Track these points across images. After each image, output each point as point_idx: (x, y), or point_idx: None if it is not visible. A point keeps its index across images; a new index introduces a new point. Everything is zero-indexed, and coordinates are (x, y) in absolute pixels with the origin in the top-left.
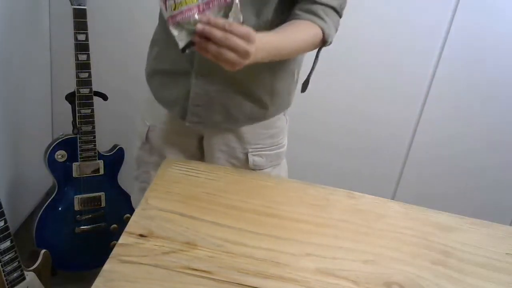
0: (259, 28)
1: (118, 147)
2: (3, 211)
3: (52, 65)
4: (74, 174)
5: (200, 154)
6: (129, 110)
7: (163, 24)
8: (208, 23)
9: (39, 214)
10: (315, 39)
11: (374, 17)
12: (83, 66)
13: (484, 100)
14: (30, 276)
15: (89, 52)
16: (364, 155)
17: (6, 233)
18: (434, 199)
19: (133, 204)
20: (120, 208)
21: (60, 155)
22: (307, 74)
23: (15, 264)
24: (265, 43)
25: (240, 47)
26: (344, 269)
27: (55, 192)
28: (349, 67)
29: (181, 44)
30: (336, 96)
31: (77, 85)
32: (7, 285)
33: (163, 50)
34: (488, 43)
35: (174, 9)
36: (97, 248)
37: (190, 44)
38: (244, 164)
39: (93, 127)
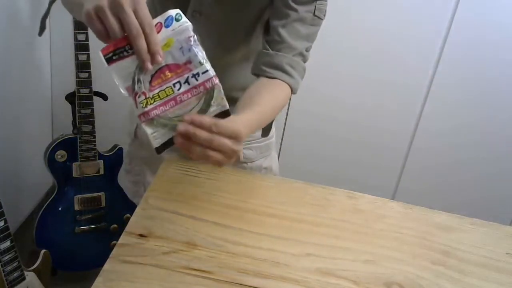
0: (248, 55)
1: (118, 147)
2: (3, 211)
3: (52, 65)
4: (74, 174)
5: None
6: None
7: None
8: (192, 122)
9: (39, 214)
10: (286, 99)
11: (375, 16)
12: (83, 66)
13: (485, 98)
14: (30, 276)
15: (89, 52)
16: (364, 155)
17: (6, 233)
18: (434, 199)
19: (129, 195)
20: (120, 208)
21: (60, 155)
22: None
23: (15, 264)
24: (248, 125)
25: (228, 148)
26: (344, 269)
27: (55, 192)
28: (350, 65)
29: (156, 144)
30: (337, 95)
31: (77, 85)
32: (7, 285)
33: None
34: (489, 42)
35: (146, 105)
36: (97, 248)
37: (168, 144)
38: None
39: (93, 127)
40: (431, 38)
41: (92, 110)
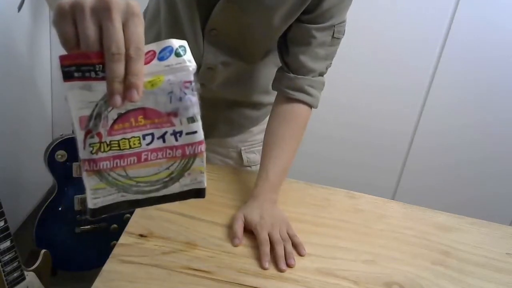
0: (267, 59)
1: None
2: (3, 211)
3: (52, 65)
4: (74, 174)
5: None
6: None
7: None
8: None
9: (39, 214)
10: (306, 120)
11: (375, 15)
12: None
13: (485, 98)
14: (30, 276)
15: None
16: (364, 155)
17: (6, 233)
18: (434, 199)
19: None
20: None
21: (60, 155)
22: None
23: (15, 264)
24: (274, 194)
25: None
26: (344, 269)
27: (55, 192)
28: (350, 65)
29: (93, 204)
30: (338, 95)
31: None
32: (7, 285)
33: None
34: (489, 42)
35: (98, 150)
36: (97, 248)
37: (109, 209)
38: (239, 162)
39: None
40: (431, 38)
41: None
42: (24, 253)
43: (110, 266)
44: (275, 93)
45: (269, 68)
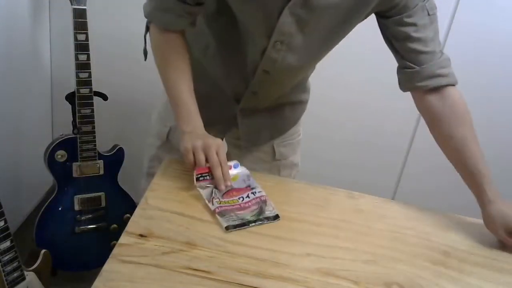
0: (306, 76)
1: (118, 147)
2: (3, 211)
3: (52, 65)
4: (74, 174)
5: None
6: (129, 110)
7: (204, 75)
8: None
9: (39, 214)
10: (460, 102)
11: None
12: (83, 66)
13: (485, 99)
14: (30, 276)
15: (89, 52)
16: (364, 155)
17: (6, 233)
18: (434, 200)
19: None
20: (120, 208)
21: (60, 155)
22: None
23: (15, 264)
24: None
25: None
26: (344, 269)
27: (55, 192)
28: (349, 66)
29: (225, 225)
30: (337, 95)
31: (77, 85)
32: (7, 285)
33: (204, 74)
34: (489, 40)
35: (219, 203)
36: (97, 248)
37: (232, 227)
38: (271, 156)
39: (93, 127)
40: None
41: (92, 110)
42: (24, 253)
43: (110, 266)
44: (309, 88)
45: (309, 73)
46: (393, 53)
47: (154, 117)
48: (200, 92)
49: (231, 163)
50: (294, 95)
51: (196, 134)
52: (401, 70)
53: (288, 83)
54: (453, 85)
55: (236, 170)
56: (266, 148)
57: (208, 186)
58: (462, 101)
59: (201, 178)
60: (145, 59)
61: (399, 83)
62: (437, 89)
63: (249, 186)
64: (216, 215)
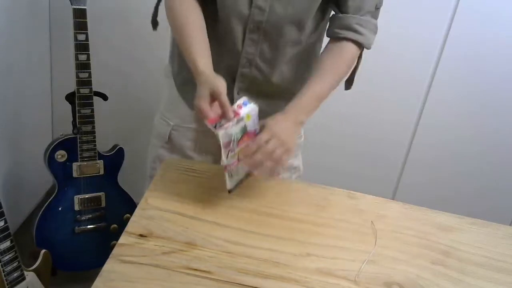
0: (300, 42)
1: (118, 147)
2: (3, 211)
3: (52, 65)
4: (74, 174)
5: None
6: (129, 110)
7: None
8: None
9: (39, 214)
10: (352, 59)
11: None
12: (83, 66)
13: (482, 102)
14: (30, 276)
15: (89, 52)
16: (364, 156)
17: (6, 233)
18: (433, 200)
19: None
20: (120, 208)
21: (60, 155)
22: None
23: (15, 264)
24: (303, 116)
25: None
26: (344, 269)
27: (55, 192)
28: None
29: (229, 187)
30: (336, 98)
31: (77, 85)
32: (7, 285)
33: None
34: (487, 46)
35: (233, 157)
36: (97, 248)
37: (235, 188)
38: None
39: (93, 127)
40: (432, 33)
41: (92, 110)
42: (24, 253)
43: (110, 266)
44: None
45: (303, 63)
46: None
47: (157, 118)
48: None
49: (240, 101)
50: (295, 85)
51: (200, 85)
52: (331, 17)
53: (283, 49)
54: (361, 46)
55: (246, 109)
56: None
57: (228, 133)
58: (350, 57)
59: (217, 126)
60: (154, 29)
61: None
62: (344, 39)
63: (255, 130)
64: (225, 172)
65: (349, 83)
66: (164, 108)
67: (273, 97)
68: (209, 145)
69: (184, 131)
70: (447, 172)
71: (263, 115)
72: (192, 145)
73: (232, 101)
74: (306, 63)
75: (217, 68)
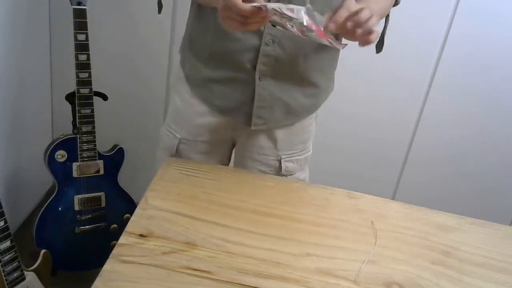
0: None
1: (118, 147)
2: (3, 211)
3: (52, 65)
4: (74, 174)
5: (228, 163)
6: (129, 110)
7: (218, 33)
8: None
9: (39, 214)
10: (390, 5)
11: None
12: (83, 66)
13: (482, 102)
14: (30, 276)
15: (89, 52)
16: (364, 156)
17: (6, 233)
18: (433, 200)
19: None
20: (120, 208)
21: (60, 155)
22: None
23: (15, 264)
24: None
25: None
26: (344, 269)
27: (55, 192)
28: (349, 70)
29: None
30: (337, 98)
31: (77, 85)
32: (7, 285)
33: (218, 58)
34: (487, 46)
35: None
36: (97, 248)
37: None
38: (277, 170)
39: (93, 127)
40: (432, 33)
41: (92, 110)
42: (24, 253)
43: (110, 266)
44: (331, 78)
45: (325, 53)
46: None
47: (163, 129)
48: (225, 77)
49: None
50: (312, 74)
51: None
52: None
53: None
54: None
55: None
56: (272, 162)
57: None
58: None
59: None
60: (159, 12)
61: None
62: None
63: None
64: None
65: (380, 45)
66: (170, 120)
67: (294, 84)
68: (213, 154)
69: (192, 144)
70: (447, 172)
71: (282, 104)
72: (202, 158)
73: (253, 90)
74: (331, 55)
75: (241, 49)
